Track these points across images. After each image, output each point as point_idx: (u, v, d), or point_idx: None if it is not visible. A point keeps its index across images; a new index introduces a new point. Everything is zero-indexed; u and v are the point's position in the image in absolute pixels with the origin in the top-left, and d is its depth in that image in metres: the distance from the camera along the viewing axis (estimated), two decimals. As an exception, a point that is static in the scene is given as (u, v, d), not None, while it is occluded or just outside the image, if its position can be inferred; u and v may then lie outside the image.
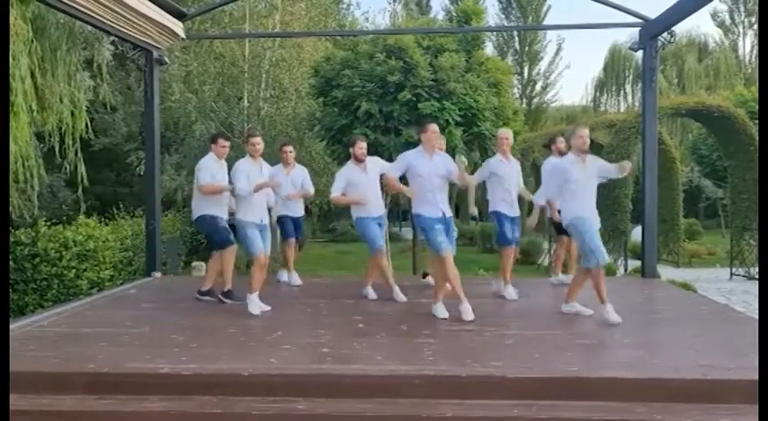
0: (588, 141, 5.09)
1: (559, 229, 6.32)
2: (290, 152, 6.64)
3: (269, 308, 5.44)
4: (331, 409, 3.44)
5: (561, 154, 6.37)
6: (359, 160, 5.93)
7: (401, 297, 5.84)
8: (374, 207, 5.94)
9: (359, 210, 5.93)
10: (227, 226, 5.76)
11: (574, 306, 5.26)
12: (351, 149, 6.01)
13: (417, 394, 3.54)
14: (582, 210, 5.00)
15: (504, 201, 6.04)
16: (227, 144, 5.77)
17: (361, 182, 5.87)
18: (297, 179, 6.62)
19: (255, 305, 5.35)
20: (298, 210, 6.81)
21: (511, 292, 6.00)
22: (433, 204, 5.13)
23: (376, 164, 6.02)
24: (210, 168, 5.65)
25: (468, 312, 4.98)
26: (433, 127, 5.23)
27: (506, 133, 6.18)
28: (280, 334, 4.67)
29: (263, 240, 5.49)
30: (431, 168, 5.12)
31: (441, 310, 5.14)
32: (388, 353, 4.09)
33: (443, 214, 5.13)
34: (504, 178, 6.01)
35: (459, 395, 3.53)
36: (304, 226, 7.27)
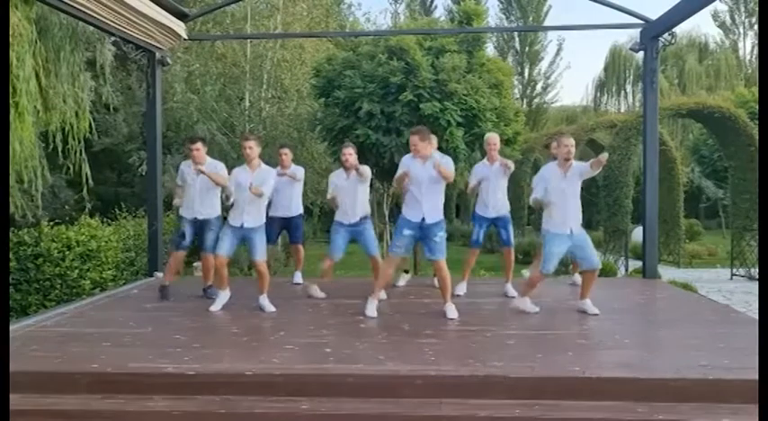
0: (573, 151, 5.23)
1: None
2: (286, 154, 6.62)
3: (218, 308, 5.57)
4: (333, 409, 3.46)
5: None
6: (344, 167, 6.01)
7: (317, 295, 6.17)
8: (347, 214, 6.00)
9: (336, 214, 6.13)
10: (183, 230, 5.99)
11: (585, 303, 5.38)
12: None
13: (419, 394, 3.56)
14: (556, 222, 5.26)
15: (483, 203, 6.18)
16: (193, 146, 5.86)
17: (341, 187, 5.99)
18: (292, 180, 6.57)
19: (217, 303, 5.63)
20: (289, 210, 6.66)
21: (461, 289, 6.23)
22: (415, 208, 5.20)
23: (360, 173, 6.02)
24: (179, 171, 6.10)
25: (370, 310, 5.25)
26: (411, 138, 5.16)
27: (495, 138, 6.22)
28: (282, 334, 4.69)
29: (252, 244, 5.52)
30: (418, 172, 5.14)
31: (451, 311, 5.20)
32: (390, 352, 4.11)
33: (422, 219, 5.16)
34: (485, 181, 6.08)
35: (460, 395, 3.55)
36: (302, 227, 7.00)
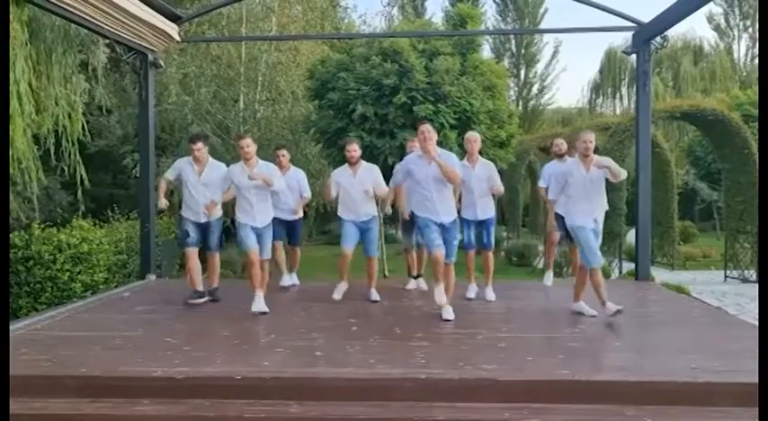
0: (591, 146, 5.19)
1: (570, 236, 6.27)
2: (284, 156, 6.60)
3: (267, 309, 5.44)
4: (323, 412, 3.45)
5: (560, 157, 6.40)
6: (349, 163, 5.97)
7: (337, 295, 6.05)
8: (356, 211, 5.98)
9: (342, 210, 6.09)
10: (186, 228, 5.92)
11: (580, 305, 5.38)
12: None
13: (409, 397, 3.55)
14: (581, 216, 5.22)
15: (469, 207, 6.04)
16: (194, 147, 5.75)
17: (346, 185, 5.95)
18: (291, 183, 6.53)
19: (257, 303, 5.47)
20: (289, 214, 6.65)
21: (472, 292, 6.18)
22: (432, 212, 5.13)
23: (369, 171, 6.02)
24: (176, 166, 5.88)
25: (448, 313, 5.18)
26: (422, 127, 5.14)
27: (474, 136, 6.14)
28: (273, 337, 4.68)
29: (261, 242, 5.61)
30: (426, 172, 5.10)
31: (447, 312, 5.19)
32: (381, 356, 4.10)
33: (442, 223, 5.13)
34: (465, 183, 5.89)
35: (451, 398, 3.54)
36: (301, 230, 7.10)
